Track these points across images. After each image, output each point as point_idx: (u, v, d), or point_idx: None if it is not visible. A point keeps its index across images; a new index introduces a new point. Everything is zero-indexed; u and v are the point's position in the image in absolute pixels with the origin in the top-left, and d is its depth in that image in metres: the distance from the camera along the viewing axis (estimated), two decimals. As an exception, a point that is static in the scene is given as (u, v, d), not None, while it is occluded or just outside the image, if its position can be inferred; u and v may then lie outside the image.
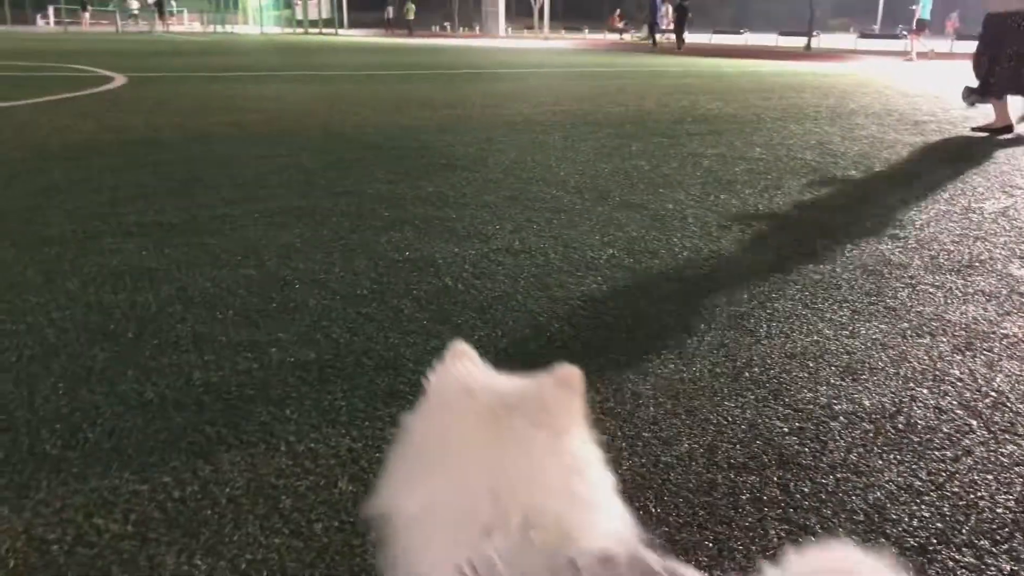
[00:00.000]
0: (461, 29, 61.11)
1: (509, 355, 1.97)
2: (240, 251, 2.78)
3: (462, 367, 0.75)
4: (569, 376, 0.69)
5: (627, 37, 42.94)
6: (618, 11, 49.01)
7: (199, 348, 1.95)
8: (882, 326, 2.22)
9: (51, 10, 47.82)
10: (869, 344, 2.09)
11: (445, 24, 66.56)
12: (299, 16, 49.44)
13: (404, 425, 0.71)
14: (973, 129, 6.34)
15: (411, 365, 1.90)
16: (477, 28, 54.00)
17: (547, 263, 2.75)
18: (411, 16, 45.89)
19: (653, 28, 28.57)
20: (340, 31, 48.59)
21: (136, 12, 45.67)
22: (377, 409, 1.67)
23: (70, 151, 4.71)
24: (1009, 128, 6.19)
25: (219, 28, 48.05)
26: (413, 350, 1.99)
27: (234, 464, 1.45)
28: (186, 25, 48.73)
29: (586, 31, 54.14)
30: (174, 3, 47.95)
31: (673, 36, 26.45)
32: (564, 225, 3.26)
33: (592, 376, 1.86)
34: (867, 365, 1.96)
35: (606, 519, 0.69)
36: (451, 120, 6.58)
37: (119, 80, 9.79)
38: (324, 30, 47.11)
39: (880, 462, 1.52)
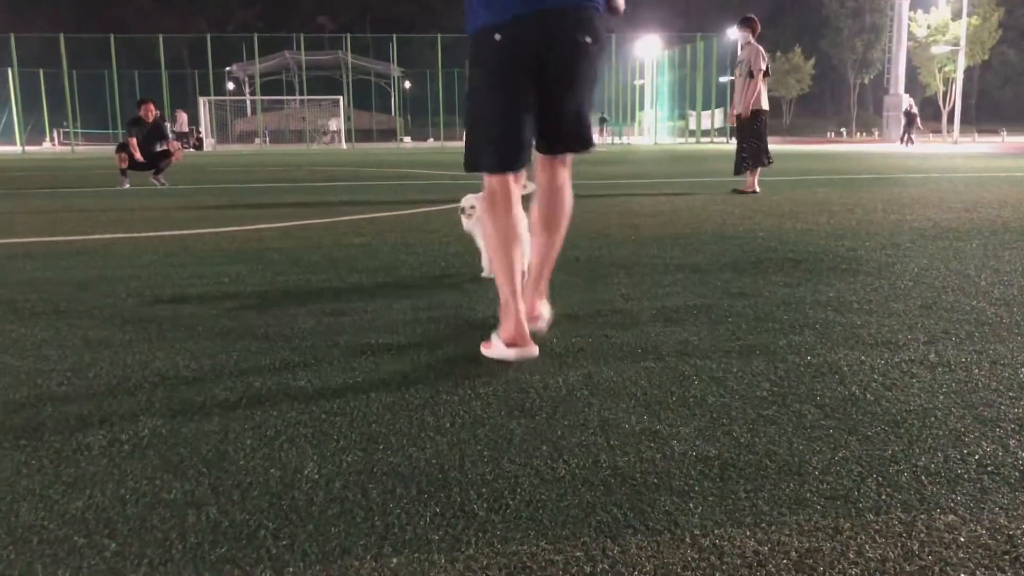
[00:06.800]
0: (859, 135, 58.83)
1: (929, 473, 1.79)
2: (640, 345, 2.87)
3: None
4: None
5: (1056, 138, 38.23)
6: (1045, 110, 43.99)
7: (605, 432, 2.04)
8: None
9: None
10: None
11: (841, 130, 64.57)
12: (692, 127, 51.06)
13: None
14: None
15: (817, 474, 1.80)
16: (876, 134, 51.65)
17: (970, 379, 2.47)
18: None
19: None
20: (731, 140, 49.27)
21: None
22: (782, 515, 1.60)
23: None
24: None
25: (616, 140, 51.26)
26: (819, 458, 1.88)
27: (641, 549, 1.47)
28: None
29: (1004, 134, 49.22)
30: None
31: None
32: (988, 339, 2.93)
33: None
34: None
35: None
36: (850, 224, 6.31)
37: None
38: (715, 139, 48.10)
39: None
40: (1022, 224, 6.29)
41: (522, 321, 2.70)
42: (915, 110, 35.95)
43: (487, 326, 3.14)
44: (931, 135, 48.55)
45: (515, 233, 2.78)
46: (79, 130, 49.11)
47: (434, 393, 2.36)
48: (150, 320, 3.32)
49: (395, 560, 1.44)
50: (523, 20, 2.63)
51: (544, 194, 2.94)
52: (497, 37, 2.66)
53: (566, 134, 2.85)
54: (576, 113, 2.81)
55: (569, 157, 2.93)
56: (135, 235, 6.21)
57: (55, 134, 53.54)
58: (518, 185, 2.92)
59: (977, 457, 1.89)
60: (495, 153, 2.74)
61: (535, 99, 2.74)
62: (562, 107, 2.78)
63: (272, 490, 1.73)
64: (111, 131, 52.05)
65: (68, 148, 45.04)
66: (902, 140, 34.84)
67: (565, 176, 2.94)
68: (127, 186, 11.91)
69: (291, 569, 1.42)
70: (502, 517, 1.60)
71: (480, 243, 3.96)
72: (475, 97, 2.78)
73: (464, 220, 3.94)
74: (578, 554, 1.46)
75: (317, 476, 1.80)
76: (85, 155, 33.83)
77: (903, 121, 35.73)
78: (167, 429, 2.09)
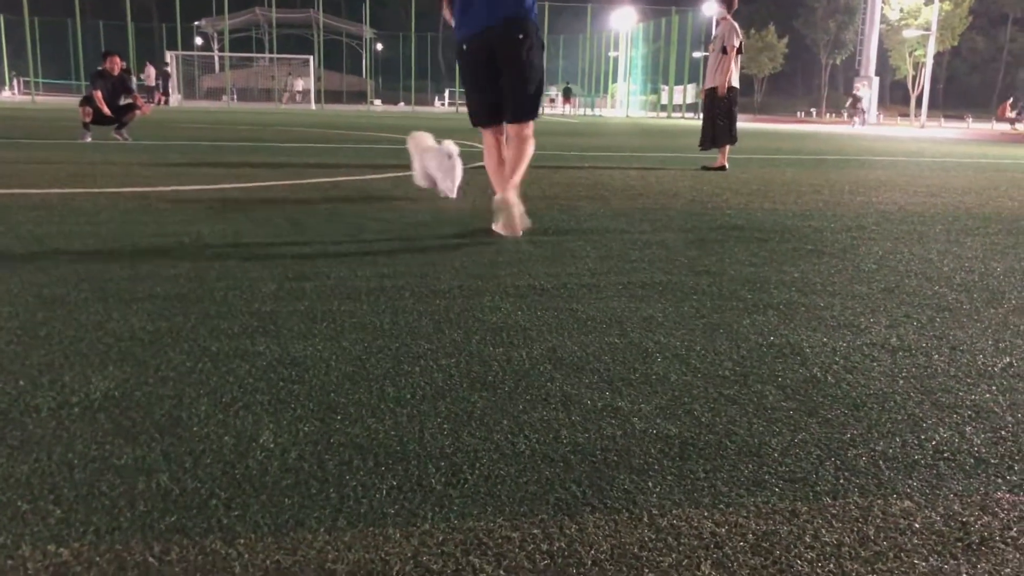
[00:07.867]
0: (828, 115, 59.25)
1: (887, 458, 1.80)
2: (605, 320, 2.86)
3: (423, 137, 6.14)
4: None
5: (1020, 128, 38.71)
6: (1010, 99, 44.57)
7: (567, 408, 2.03)
8: None
9: (446, 93, 55.30)
10: None
11: (811, 110, 64.91)
12: (664, 101, 50.99)
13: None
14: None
15: (776, 455, 1.80)
16: (845, 115, 52.02)
17: (929, 364, 2.49)
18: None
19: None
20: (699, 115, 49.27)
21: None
22: (740, 496, 1.60)
23: (464, 218, 5.23)
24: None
25: (588, 112, 51.08)
26: (779, 440, 1.89)
27: (598, 528, 1.46)
28: (559, 108, 52.47)
29: (969, 120, 49.80)
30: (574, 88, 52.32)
31: None
32: (949, 325, 2.96)
33: (985, 500, 1.63)
34: None
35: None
36: (817, 205, 6.34)
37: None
38: (687, 114, 48.08)
39: None
40: (984, 211, 6.37)
41: (511, 216, 4.44)
42: (860, 94, 39.60)
43: (451, 295, 3.12)
44: (899, 118, 49.01)
45: (497, 161, 4.67)
46: (40, 80, 47.83)
47: (395, 364, 2.33)
48: (107, 279, 3.24)
49: (349, 534, 1.42)
50: (483, 32, 4.43)
51: (510, 142, 4.72)
52: (465, 47, 4.51)
53: (512, 109, 4.62)
54: (518, 96, 4.55)
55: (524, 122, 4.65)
56: (95, 190, 6.07)
57: (15, 83, 52.14)
58: (502, 138, 4.73)
59: (934, 443, 1.90)
60: (473, 116, 4.81)
61: (498, 84, 4.56)
62: (511, 91, 4.54)
63: (225, 458, 1.69)
64: (73, 82, 50.86)
65: (28, 98, 43.89)
66: (854, 122, 38.06)
67: (524, 133, 4.63)
68: (89, 140, 11.64)
69: (242, 540, 1.39)
70: (460, 492, 1.58)
71: (413, 162, 6.35)
72: (462, 82, 4.81)
73: (409, 145, 6.38)
74: (535, 531, 1.44)
75: (272, 445, 1.76)
76: (46, 105, 33.01)
77: (851, 102, 39.28)
78: (119, 392, 2.04)
